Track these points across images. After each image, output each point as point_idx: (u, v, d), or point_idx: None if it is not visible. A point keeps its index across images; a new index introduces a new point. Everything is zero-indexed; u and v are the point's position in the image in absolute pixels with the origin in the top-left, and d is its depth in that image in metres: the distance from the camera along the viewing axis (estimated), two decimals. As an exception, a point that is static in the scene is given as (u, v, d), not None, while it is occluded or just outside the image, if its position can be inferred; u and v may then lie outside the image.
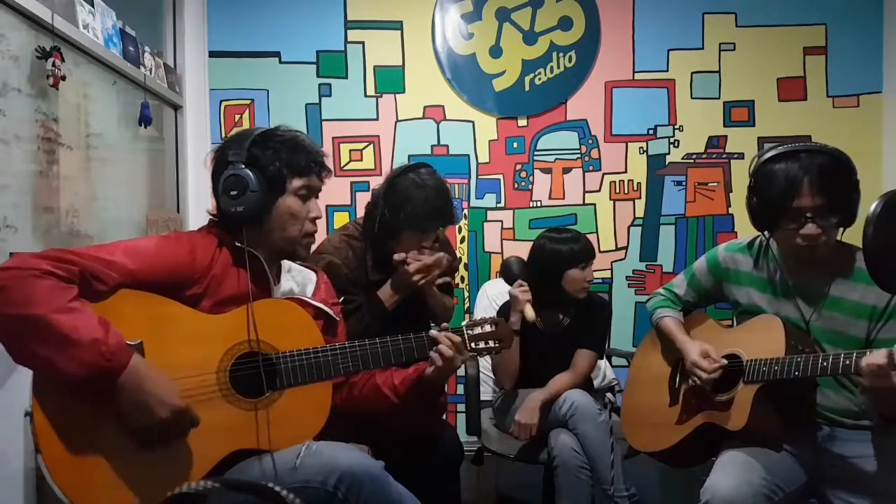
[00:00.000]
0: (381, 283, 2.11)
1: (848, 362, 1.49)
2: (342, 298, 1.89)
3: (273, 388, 1.48)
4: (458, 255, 3.40)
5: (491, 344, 1.66)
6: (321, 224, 3.53)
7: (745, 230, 1.83)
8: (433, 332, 1.62)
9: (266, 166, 1.53)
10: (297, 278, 1.71)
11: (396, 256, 2.05)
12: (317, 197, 1.63)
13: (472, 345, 1.65)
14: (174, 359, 1.40)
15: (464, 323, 1.68)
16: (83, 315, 1.29)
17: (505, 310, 2.42)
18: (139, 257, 1.42)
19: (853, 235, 1.61)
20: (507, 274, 2.33)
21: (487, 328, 1.67)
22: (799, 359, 1.58)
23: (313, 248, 2.03)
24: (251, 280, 1.52)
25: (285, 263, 1.71)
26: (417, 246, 2.07)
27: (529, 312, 2.21)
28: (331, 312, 1.68)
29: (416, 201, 2.00)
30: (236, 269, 1.53)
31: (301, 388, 1.50)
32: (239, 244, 1.54)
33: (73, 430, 1.32)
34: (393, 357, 1.59)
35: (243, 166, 1.51)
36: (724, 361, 1.77)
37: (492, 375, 2.67)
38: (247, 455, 1.44)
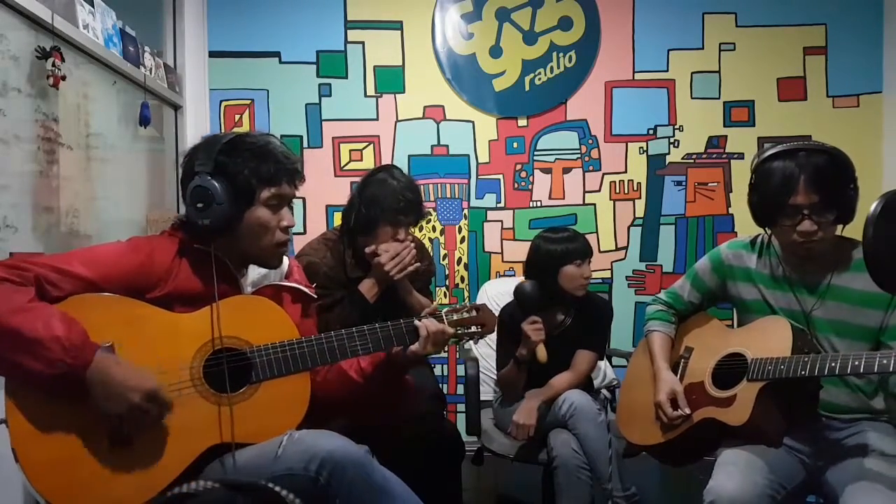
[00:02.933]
0: (362, 279, 2.20)
1: (857, 363, 1.49)
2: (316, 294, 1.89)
3: (249, 382, 1.48)
4: (458, 255, 3.41)
5: (473, 329, 1.65)
6: (321, 224, 3.51)
7: (745, 230, 1.84)
8: (415, 320, 1.60)
9: (234, 176, 1.49)
10: None
11: (367, 249, 2.16)
12: (290, 204, 1.59)
13: (454, 330, 1.64)
14: (146, 358, 1.40)
15: (444, 309, 1.65)
16: (42, 314, 1.29)
17: (507, 310, 2.42)
18: (95, 265, 1.42)
19: (856, 234, 1.61)
20: (522, 301, 2.29)
21: (466, 314, 1.66)
22: (806, 358, 1.59)
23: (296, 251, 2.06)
24: (218, 280, 1.50)
25: None
26: (392, 239, 2.18)
27: (542, 354, 2.18)
28: (308, 291, 1.68)
29: (388, 196, 2.15)
30: (201, 271, 1.51)
31: (278, 381, 1.49)
32: (198, 246, 1.52)
33: (48, 434, 1.32)
34: (372, 345, 1.57)
35: (209, 177, 1.47)
36: (688, 411, 1.79)
37: (491, 375, 2.67)
38: (226, 449, 1.44)
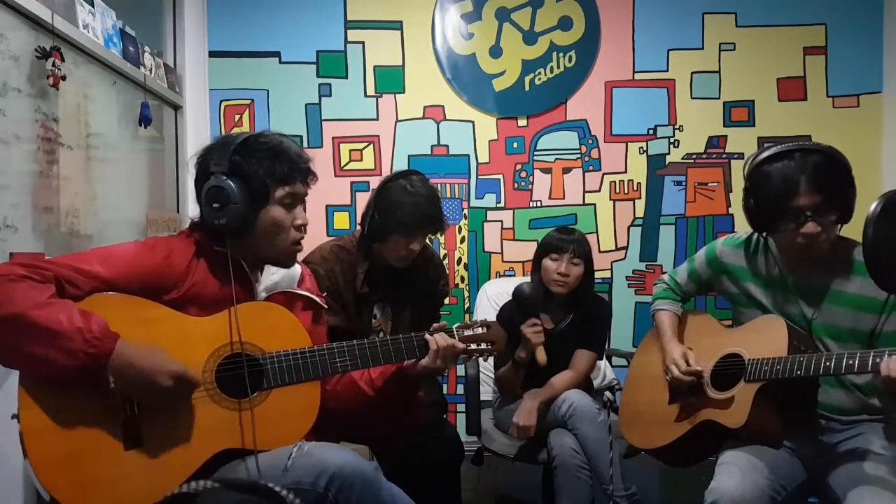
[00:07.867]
0: (370, 297, 2.13)
1: (851, 362, 1.49)
2: None
3: (260, 388, 1.47)
4: (458, 255, 3.41)
5: (483, 346, 1.65)
6: (321, 224, 3.51)
7: (746, 230, 1.83)
8: (426, 334, 1.61)
9: (249, 176, 1.49)
10: (281, 270, 1.69)
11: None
12: (303, 203, 1.60)
13: (464, 346, 1.63)
14: None
15: (455, 325, 1.66)
16: (63, 308, 1.30)
17: (506, 309, 2.42)
18: (114, 265, 1.42)
19: (855, 234, 1.61)
20: (521, 303, 2.29)
21: (479, 330, 1.66)
22: (801, 358, 1.58)
23: (307, 252, 2.03)
24: (234, 283, 1.50)
25: None
26: (405, 249, 2.10)
27: (541, 356, 2.18)
28: (318, 301, 1.68)
29: (405, 206, 2.05)
30: (218, 273, 1.52)
31: (288, 389, 1.49)
32: (218, 248, 1.52)
33: (60, 429, 1.32)
34: (382, 357, 1.57)
35: (224, 177, 1.48)
36: (700, 368, 1.79)
37: (492, 375, 2.67)
38: (234, 455, 1.44)
